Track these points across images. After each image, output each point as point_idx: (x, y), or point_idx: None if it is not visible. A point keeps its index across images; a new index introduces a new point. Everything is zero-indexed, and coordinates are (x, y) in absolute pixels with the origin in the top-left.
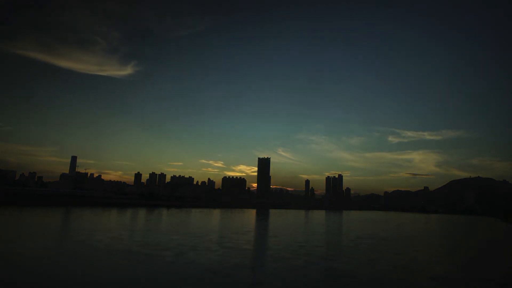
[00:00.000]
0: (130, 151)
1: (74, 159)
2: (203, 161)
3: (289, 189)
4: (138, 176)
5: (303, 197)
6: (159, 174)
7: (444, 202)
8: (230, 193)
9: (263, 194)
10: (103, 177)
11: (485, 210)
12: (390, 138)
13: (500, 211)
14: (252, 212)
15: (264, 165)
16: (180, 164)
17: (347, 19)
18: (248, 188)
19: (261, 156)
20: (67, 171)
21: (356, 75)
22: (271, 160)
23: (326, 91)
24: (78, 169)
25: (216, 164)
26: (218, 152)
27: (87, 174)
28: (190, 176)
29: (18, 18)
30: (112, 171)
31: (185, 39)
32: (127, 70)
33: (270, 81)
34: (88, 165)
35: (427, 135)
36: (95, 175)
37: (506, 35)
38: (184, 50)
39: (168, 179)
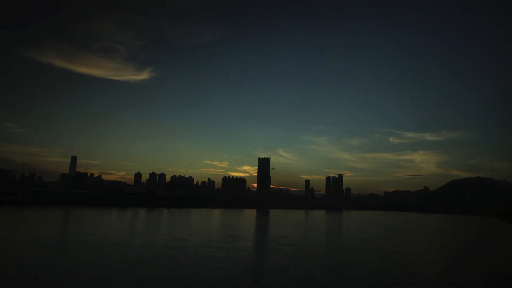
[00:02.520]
0: (135, 152)
1: (74, 158)
2: (208, 161)
3: (291, 188)
4: (138, 175)
5: (303, 197)
6: (159, 174)
7: (444, 202)
8: (230, 193)
9: (263, 194)
10: (107, 177)
11: (484, 210)
12: (391, 139)
13: (499, 211)
14: (251, 212)
15: (264, 165)
16: (185, 164)
17: (348, 23)
18: (248, 188)
19: (262, 156)
20: (73, 171)
21: (357, 77)
22: (272, 160)
23: (327, 92)
24: (78, 169)
25: (221, 165)
26: (224, 153)
27: (87, 174)
28: (191, 176)
29: (43, 26)
30: (115, 171)
31: (198, 47)
32: (143, 75)
33: (273, 82)
34: (93, 165)
35: (428, 137)
36: (96, 175)
37: (507, 36)
38: (196, 57)
39: (168, 179)
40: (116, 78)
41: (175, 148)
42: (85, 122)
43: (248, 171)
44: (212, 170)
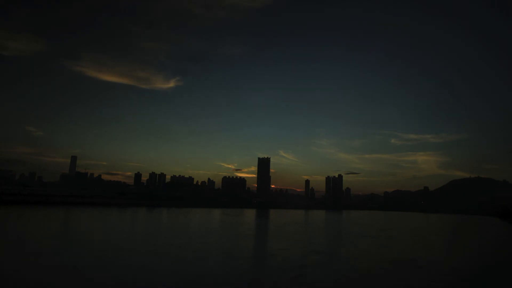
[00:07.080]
0: (143, 154)
1: (74, 159)
2: (217, 162)
3: (293, 188)
4: (138, 175)
5: (303, 197)
6: (159, 174)
7: (444, 202)
8: (231, 193)
9: (263, 194)
10: (113, 177)
11: (484, 210)
12: (393, 141)
13: (499, 211)
14: (249, 212)
15: (264, 165)
16: (188, 166)
17: (349, 23)
18: (249, 188)
19: (262, 156)
20: (73, 171)
21: (358, 78)
22: (273, 161)
23: (329, 93)
24: (78, 169)
25: (228, 166)
26: (233, 155)
27: (87, 173)
28: (191, 176)
29: (81, 39)
30: (123, 171)
31: (221, 60)
32: (169, 84)
33: (274, 82)
34: (101, 166)
35: (429, 138)
36: (102, 176)
37: (508, 36)
38: (218, 68)
39: (168, 179)
40: (143, 86)
41: (181, 150)
42: (96, 125)
43: (255, 171)
44: (217, 171)
